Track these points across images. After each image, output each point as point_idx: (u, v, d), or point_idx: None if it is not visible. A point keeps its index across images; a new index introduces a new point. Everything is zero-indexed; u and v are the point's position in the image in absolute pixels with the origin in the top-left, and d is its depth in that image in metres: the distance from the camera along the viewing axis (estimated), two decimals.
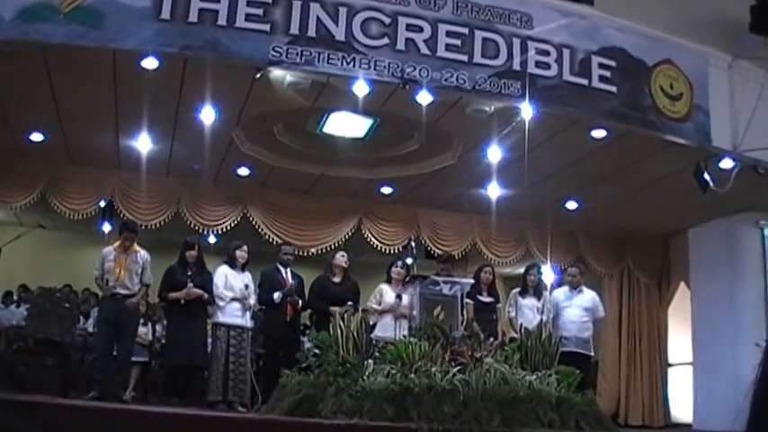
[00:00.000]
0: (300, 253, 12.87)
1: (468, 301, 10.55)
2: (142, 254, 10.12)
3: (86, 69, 8.70)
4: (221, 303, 10.12)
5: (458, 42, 8.45)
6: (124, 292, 9.85)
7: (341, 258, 10.98)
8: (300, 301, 10.72)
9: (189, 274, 10.24)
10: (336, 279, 10.83)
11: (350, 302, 10.35)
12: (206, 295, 10.17)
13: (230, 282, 10.22)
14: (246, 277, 10.42)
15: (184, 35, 7.73)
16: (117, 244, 10.08)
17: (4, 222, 15.51)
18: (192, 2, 7.72)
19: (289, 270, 10.87)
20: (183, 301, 10.15)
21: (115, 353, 9.98)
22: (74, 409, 7.28)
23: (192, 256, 10.35)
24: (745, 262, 12.48)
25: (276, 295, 10.43)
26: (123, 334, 9.92)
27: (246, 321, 10.26)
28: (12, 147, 11.37)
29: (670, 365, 14.92)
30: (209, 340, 10.51)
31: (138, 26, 7.61)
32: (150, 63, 8.05)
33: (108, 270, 9.87)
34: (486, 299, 10.99)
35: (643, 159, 10.54)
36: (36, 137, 11.06)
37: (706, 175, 9.96)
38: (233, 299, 10.14)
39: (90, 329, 12.33)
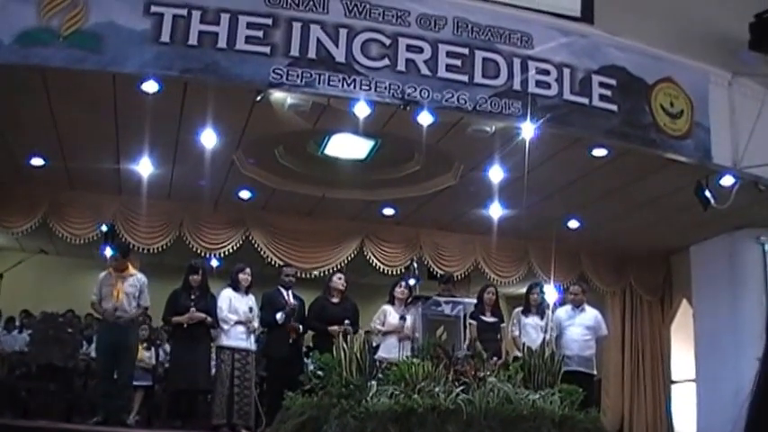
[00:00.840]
0: (303, 275, 12.87)
1: (472, 321, 10.54)
2: (138, 277, 10.13)
3: (86, 93, 8.73)
4: (225, 327, 10.10)
5: (458, 63, 8.45)
6: (123, 315, 9.83)
7: (338, 281, 10.99)
8: (301, 327, 10.70)
9: (192, 298, 10.22)
10: (335, 300, 10.82)
11: (347, 321, 10.35)
12: (209, 319, 10.14)
13: (234, 305, 10.21)
14: (250, 300, 10.41)
15: (184, 58, 7.74)
16: (112, 268, 10.08)
17: (6, 248, 15.52)
18: (191, 25, 7.72)
19: (290, 292, 10.85)
20: (186, 325, 10.12)
21: (116, 377, 9.95)
22: None
23: (196, 281, 10.33)
24: (746, 278, 12.47)
25: (279, 315, 10.41)
26: (123, 358, 9.90)
27: (251, 344, 10.26)
28: (12, 171, 11.39)
29: (673, 382, 14.88)
30: (213, 363, 10.48)
31: (138, 49, 7.62)
32: (150, 86, 8.06)
33: (105, 295, 9.87)
34: (489, 319, 10.98)
35: (644, 177, 10.55)
36: (36, 161, 11.08)
37: (707, 192, 9.97)
38: (237, 322, 10.13)
39: (93, 354, 12.32)
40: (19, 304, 14.92)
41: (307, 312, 10.90)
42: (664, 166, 9.89)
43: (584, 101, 8.92)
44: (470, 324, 10.47)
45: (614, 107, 9.05)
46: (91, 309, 10.97)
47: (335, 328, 10.17)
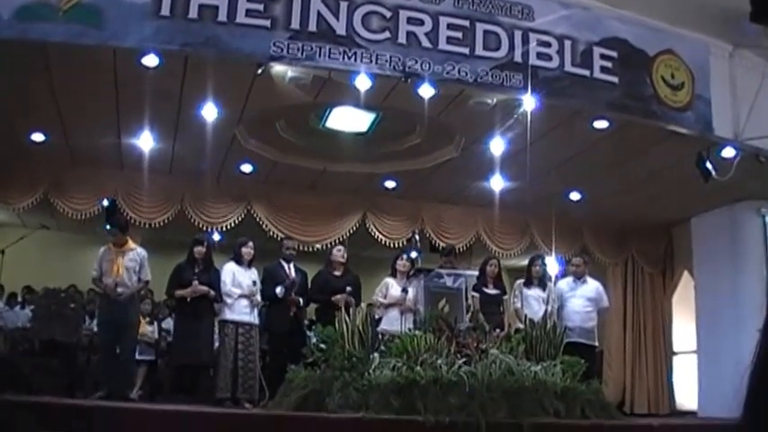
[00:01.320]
0: (305, 248, 12.89)
1: (474, 294, 10.57)
2: (138, 251, 10.11)
3: (86, 68, 8.71)
4: (229, 300, 10.10)
5: (459, 35, 8.44)
6: (124, 290, 9.85)
7: (337, 253, 10.99)
8: (302, 300, 10.71)
9: (196, 271, 10.23)
10: (337, 273, 10.83)
11: (349, 288, 10.40)
12: (212, 292, 10.16)
13: (238, 279, 10.21)
14: (253, 274, 10.42)
15: (185, 32, 7.72)
16: (111, 243, 10.08)
17: (8, 224, 15.53)
18: None
19: (292, 265, 10.85)
20: (189, 299, 10.15)
21: (118, 351, 9.97)
22: (81, 410, 7.29)
23: (201, 253, 10.33)
24: (747, 250, 12.51)
25: (279, 289, 10.40)
26: (124, 333, 9.90)
27: (254, 318, 10.27)
28: (13, 148, 11.37)
29: (675, 354, 14.94)
30: (216, 338, 10.51)
31: (138, 24, 7.59)
32: (151, 61, 8.04)
33: (105, 270, 9.87)
34: (491, 291, 10.98)
35: (645, 149, 10.54)
36: (37, 137, 11.07)
37: (708, 164, 9.97)
38: (240, 295, 10.14)
39: (95, 329, 12.35)
40: (21, 280, 14.94)
41: (310, 286, 10.91)
42: (665, 138, 9.89)
43: (586, 73, 8.91)
44: (473, 297, 10.50)
45: (615, 79, 9.04)
46: (92, 285, 10.98)
47: (339, 297, 10.22)
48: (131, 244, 10.13)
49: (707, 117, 9.58)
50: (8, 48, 7.82)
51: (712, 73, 9.71)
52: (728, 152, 9.87)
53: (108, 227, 10.25)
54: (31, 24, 7.41)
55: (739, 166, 9.91)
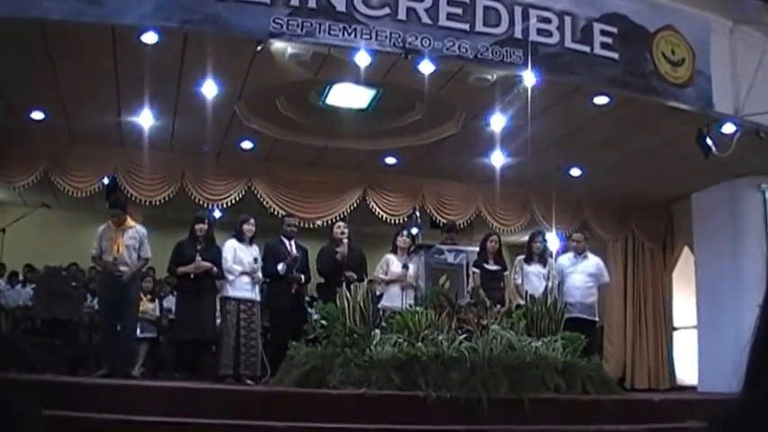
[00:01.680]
0: (306, 225, 12.90)
1: (475, 270, 10.59)
2: (138, 228, 10.10)
3: (86, 46, 8.69)
4: (231, 277, 10.13)
5: (459, 11, 8.42)
6: (125, 268, 9.86)
7: (337, 230, 10.95)
8: (303, 277, 10.71)
9: (198, 248, 10.25)
10: (340, 249, 10.79)
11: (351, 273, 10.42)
12: (215, 269, 10.18)
13: (239, 255, 10.23)
14: (255, 251, 10.43)
15: (184, 9, 7.70)
16: (111, 221, 10.08)
17: (8, 203, 15.53)
18: None
19: (293, 242, 10.86)
20: (191, 276, 10.17)
21: (119, 328, 10.00)
22: (84, 388, 7.34)
23: (202, 230, 10.34)
24: (747, 225, 12.52)
25: (280, 266, 10.41)
26: (124, 311, 9.91)
27: (256, 295, 10.28)
28: (13, 125, 11.36)
29: (675, 329, 15.00)
30: (218, 314, 10.54)
31: (137, 1, 7.58)
32: (150, 38, 8.03)
33: (105, 248, 9.87)
34: (492, 267, 10.98)
35: (645, 125, 10.53)
36: (37, 115, 11.05)
37: (708, 140, 9.97)
38: (242, 272, 10.16)
39: (97, 307, 12.39)
40: (22, 259, 14.96)
41: (316, 261, 10.87)
42: (665, 114, 9.88)
43: (586, 49, 8.90)
44: (473, 272, 10.52)
45: (615, 55, 9.03)
46: (92, 263, 10.99)
47: (353, 274, 10.26)
48: (130, 222, 10.12)
49: (707, 93, 9.57)
50: (7, 26, 7.80)
51: (712, 49, 9.69)
52: (729, 128, 9.87)
53: (109, 206, 10.23)
54: (30, 2, 7.39)
55: (739, 141, 9.91)
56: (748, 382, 1.14)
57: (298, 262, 10.57)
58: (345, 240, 10.68)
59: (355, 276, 10.32)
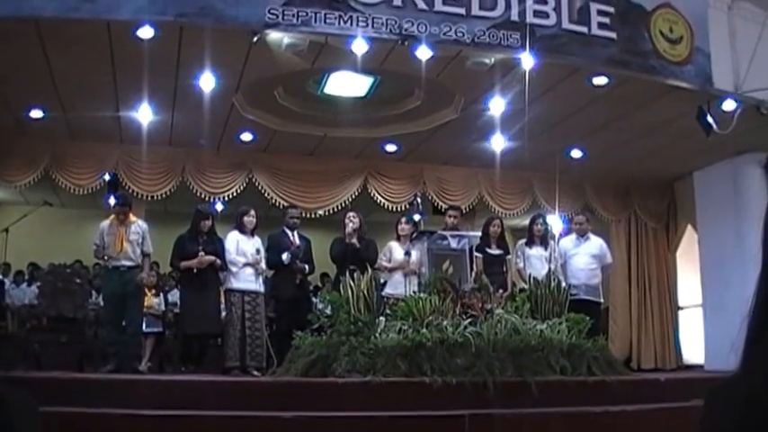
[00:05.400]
0: (308, 215, 12.89)
1: (478, 254, 10.58)
2: (140, 223, 10.14)
3: (82, 42, 8.67)
4: (234, 269, 10.13)
5: None
6: (129, 264, 9.88)
7: (347, 222, 10.90)
8: (307, 267, 10.70)
9: (200, 242, 10.24)
10: (352, 240, 10.71)
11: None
12: (218, 261, 10.18)
13: (242, 247, 10.23)
14: (257, 242, 10.42)
15: (178, 2, 7.69)
16: (113, 217, 10.09)
17: (10, 202, 15.56)
18: None
19: (296, 233, 10.85)
20: (195, 270, 10.17)
21: (124, 324, 10.01)
22: (91, 384, 7.34)
23: (207, 226, 10.33)
24: (750, 202, 12.49)
25: (285, 256, 10.39)
26: (129, 305, 9.93)
27: (259, 286, 10.29)
28: (12, 124, 11.36)
29: (680, 308, 15.01)
30: (223, 307, 10.54)
31: None
32: (146, 33, 8.00)
33: (108, 244, 9.89)
34: (495, 251, 10.96)
35: (645, 105, 10.51)
36: (35, 113, 11.03)
37: (709, 118, 9.95)
38: (245, 264, 10.16)
39: (102, 303, 12.40)
40: (26, 257, 14.98)
41: (330, 251, 10.82)
42: (665, 92, 9.86)
43: (583, 29, 8.88)
44: (476, 257, 10.51)
45: (613, 35, 9.00)
46: (93, 257, 10.98)
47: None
48: (132, 217, 10.14)
49: (706, 70, 9.55)
50: (2, 25, 7.78)
51: (711, 25, 9.66)
52: (729, 105, 9.85)
53: (113, 203, 10.23)
54: (23, 0, 7.38)
55: (740, 118, 9.89)
56: (745, 358, 1.13)
57: (301, 252, 10.56)
58: (350, 227, 10.64)
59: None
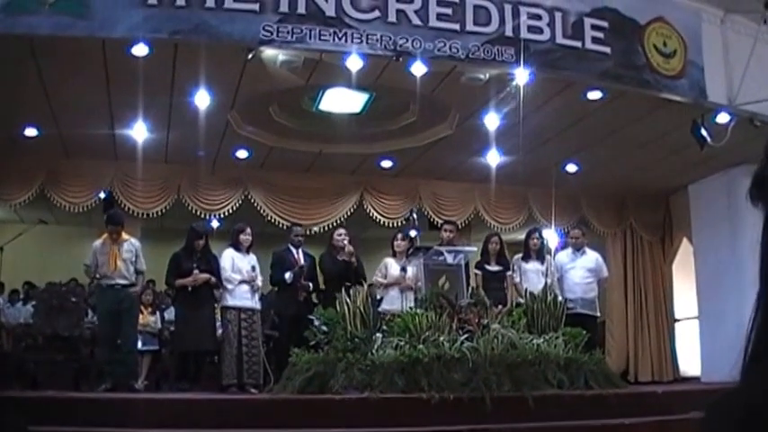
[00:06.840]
0: (305, 232, 12.89)
1: (477, 271, 10.61)
2: (132, 241, 10.18)
3: (76, 60, 8.67)
4: (230, 286, 10.14)
5: (449, 11, 8.41)
6: (123, 282, 9.89)
7: (338, 237, 10.96)
8: (312, 285, 10.72)
9: (195, 260, 10.23)
10: (341, 257, 10.78)
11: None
12: (213, 279, 10.17)
13: (237, 264, 10.24)
14: (252, 259, 10.44)
15: (173, 19, 7.69)
16: (105, 236, 10.10)
17: (6, 220, 15.51)
18: None
19: (300, 251, 10.89)
20: (190, 288, 10.15)
21: (119, 341, 9.99)
22: (87, 403, 7.33)
23: (201, 246, 10.33)
24: (745, 214, 12.43)
25: (287, 275, 10.43)
26: (124, 323, 9.93)
27: (256, 303, 10.31)
28: (6, 143, 11.34)
29: (677, 321, 15.01)
30: (219, 324, 10.53)
31: (126, 13, 7.57)
32: (140, 50, 8.00)
33: (102, 263, 9.90)
34: (493, 268, 10.97)
35: (639, 118, 10.53)
36: (30, 131, 11.01)
37: (703, 131, 9.98)
38: (241, 281, 10.17)
39: (97, 322, 12.37)
40: (21, 276, 14.95)
41: (320, 268, 10.87)
42: (659, 106, 9.89)
43: (577, 44, 8.89)
44: (475, 274, 10.54)
45: (607, 49, 9.02)
46: (84, 274, 10.98)
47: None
48: (125, 235, 10.16)
49: (700, 83, 9.58)
50: None
51: (704, 39, 9.69)
52: (723, 118, 9.88)
53: (113, 224, 10.22)
54: (18, 18, 7.38)
55: (734, 131, 9.92)
56: (745, 372, 1.13)
57: (304, 271, 10.59)
58: (349, 247, 10.71)
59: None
